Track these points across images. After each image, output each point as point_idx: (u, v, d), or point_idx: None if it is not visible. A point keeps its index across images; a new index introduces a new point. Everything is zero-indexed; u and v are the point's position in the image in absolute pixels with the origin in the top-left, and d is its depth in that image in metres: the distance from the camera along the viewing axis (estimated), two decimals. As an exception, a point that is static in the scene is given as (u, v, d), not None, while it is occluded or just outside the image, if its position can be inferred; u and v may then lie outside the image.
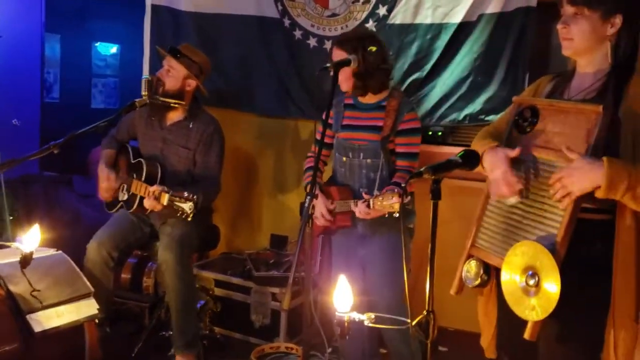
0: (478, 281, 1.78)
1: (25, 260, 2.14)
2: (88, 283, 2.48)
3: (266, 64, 3.71)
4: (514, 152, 1.67)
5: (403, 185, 2.18)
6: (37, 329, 2.17)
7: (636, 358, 1.56)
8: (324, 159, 2.80)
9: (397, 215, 2.22)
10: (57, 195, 4.33)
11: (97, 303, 2.45)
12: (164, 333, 3.18)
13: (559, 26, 1.72)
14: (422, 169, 1.52)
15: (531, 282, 1.54)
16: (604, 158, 1.49)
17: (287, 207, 3.95)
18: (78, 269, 2.52)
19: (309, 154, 2.83)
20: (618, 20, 1.64)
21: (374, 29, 3.31)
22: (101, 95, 7.67)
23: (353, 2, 3.42)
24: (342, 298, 1.59)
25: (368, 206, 2.32)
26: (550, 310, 1.48)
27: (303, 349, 2.52)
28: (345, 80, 2.50)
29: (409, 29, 3.29)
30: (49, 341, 2.23)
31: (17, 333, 2.14)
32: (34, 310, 2.20)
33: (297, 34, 3.60)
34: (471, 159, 1.62)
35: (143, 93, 2.80)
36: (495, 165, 1.70)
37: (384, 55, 2.53)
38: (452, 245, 2.44)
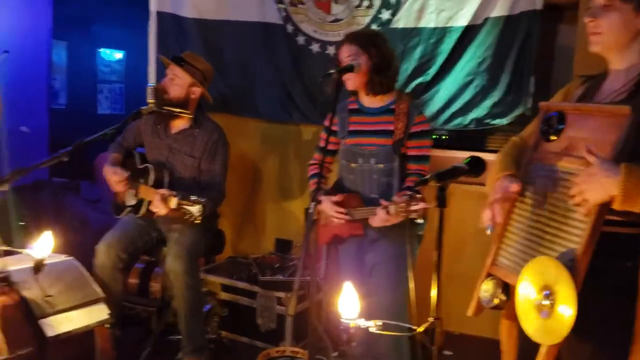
0: (495, 302, 1.67)
1: (38, 266, 2.17)
2: (99, 288, 2.52)
3: (269, 70, 3.74)
4: (514, 188, 1.60)
5: (415, 188, 2.10)
6: (49, 333, 2.21)
7: None
8: (328, 166, 2.78)
9: (421, 221, 2.23)
10: (65, 201, 4.37)
11: (107, 308, 2.49)
12: (171, 337, 3.21)
13: (587, 19, 1.58)
14: (427, 177, 1.53)
15: (546, 302, 1.42)
16: (623, 165, 1.35)
17: (291, 212, 3.97)
18: (89, 275, 2.55)
19: (312, 162, 2.80)
20: None
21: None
22: (107, 101, 7.71)
23: (356, 7, 3.45)
24: (348, 305, 1.60)
25: (387, 213, 2.26)
26: (564, 335, 1.37)
27: (309, 353, 2.55)
28: (356, 77, 2.44)
29: (412, 33, 3.31)
30: (61, 346, 2.27)
31: (31, 337, 2.18)
32: (46, 315, 2.24)
33: (300, 39, 3.63)
34: (477, 166, 1.62)
35: (149, 100, 2.82)
36: (494, 190, 1.66)
37: (393, 54, 2.53)
38: (464, 250, 2.47)
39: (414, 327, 1.57)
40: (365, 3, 3.43)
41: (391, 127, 2.46)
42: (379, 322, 1.62)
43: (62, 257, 2.56)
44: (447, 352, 3.23)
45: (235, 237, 4.05)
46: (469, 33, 3.22)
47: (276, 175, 4.02)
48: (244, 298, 3.40)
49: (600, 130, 1.47)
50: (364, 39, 2.46)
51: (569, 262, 1.41)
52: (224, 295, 3.45)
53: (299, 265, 2.01)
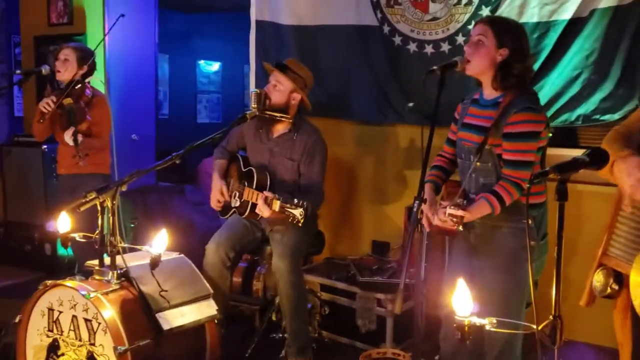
0: (608, 291, 1.68)
1: (155, 263, 2.31)
2: (208, 285, 2.64)
3: (366, 72, 3.77)
4: None
5: (534, 181, 1.91)
6: (165, 326, 2.33)
7: None
8: (452, 158, 2.53)
9: (461, 229, 2.05)
10: (172, 203, 4.62)
11: (215, 304, 2.60)
12: (274, 335, 3.29)
13: None
14: (547, 169, 1.47)
15: None
16: None
17: (388, 214, 3.96)
18: (198, 272, 2.68)
19: (439, 153, 2.60)
20: None
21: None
22: (206, 111, 8.10)
23: (454, 5, 3.39)
24: (462, 302, 1.58)
25: (444, 214, 2.09)
26: None
27: (412, 356, 2.52)
28: (481, 62, 2.25)
29: (514, 29, 3.20)
30: (175, 339, 2.39)
31: (149, 330, 2.31)
32: (162, 310, 2.37)
33: (397, 40, 3.62)
34: (599, 158, 1.53)
35: (253, 106, 2.92)
36: (630, 172, 1.59)
37: (528, 50, 2.33)
38: (574, 251, 2.35)
39: (533, 326, 1.50)
40: (464, 0, 3.37)
41: (489, 123, 2.24)
42: (494, 320, 1.59)
43: (174, 255, 2.70)
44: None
45: (332, 239, 4.09)
46: (575, 26, 3.07)
47: (372, 177, 4.02)
48: (342, 298, 3.42)
49: None
50: (502, 25, 2.28)
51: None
52: (323, 295, 3.49)
53: (403, 263, 1.98)
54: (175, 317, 2.41)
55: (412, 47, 3.58)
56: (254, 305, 3.54)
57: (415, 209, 2.11)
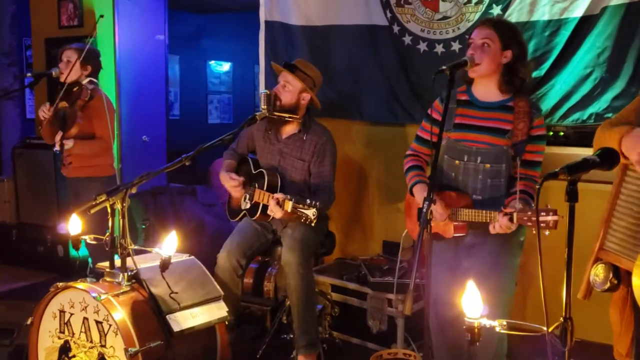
0: (607, 285, 1.71)
1: (165, 265, 2.31)
2: (218, 287, 2.63)
3: (376, 72, 3.75)
4: None
5: (537, 186, 1.94)
6: (175, 328, 2.33)
7: None
8: (426, 159, 2.58)
9: (547, 233, 2.04)
10: (183, 205, 4.64)
11: (226, 306, 2.60)
12: (285, 336, 3.29)
13: None
14: (557, 170, 1.46)
15: None
16: None
17: (398, 214, 3.94)
18: (209, 273, 2.68)
19: (409, 152, 2.63)
20: None
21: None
22: (217, 111, 8.12)
23: (465, 4, 3.37)
24: (472, 303, 1.57)
25: (511, 220, 2.09)
26: None
27: (424, 356, 2.51)
28: (488, 65, 2.27)
29: (524, 27, 3.17)
30: (186, 340, 2.39)
31: (160, 332, 2.31)
32: (173, 311, 2.37)
33: (407, 39, 3.61)
34: (610, 158, 1.52)
35: (262, 107, 2.90)
36: (637, 141, 1.58)
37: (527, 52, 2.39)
38: (581, 251, 2.31)
39: (544, 328, 1.49)
40: (475, -1, 3.36)
41: (508, 127, 2.27)
42: (504, 322, 1.57)
43: (185, 257, 2.70)
44: None
45: (342, 239, 4.09)
46: (586, 24, 3.05)
47: (382, 178, 4.01)
48: (353, 299, 3.41)
49: None
50: (506, 28, 2.32)
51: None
52: (334, 296, 3.48)
53: (413, 264, 1.97)
54: (186, 319, 2.41)
55: (423, 46, 3.56)
56: (265, 306, 3.54)
57: (425, 210, 2.10)
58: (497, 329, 1.55)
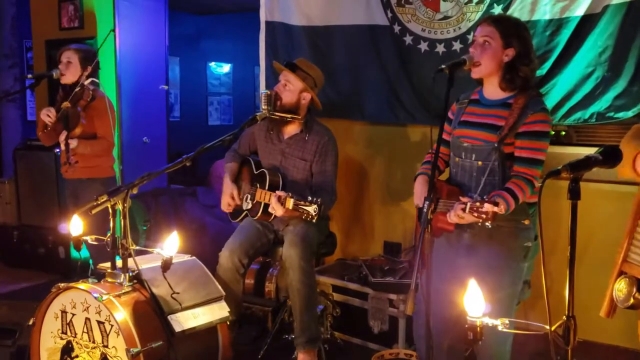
0: (631, 301, 1.62)
1: (166, 265, 2.31)
2: (220, 287, 2.63)
3: (377, 72, 3.75)
4: None
5: (540, 184, 1.90)
6: (177, 328, 2.34)
7: None
8: (445, 158, 2.52)
9: (489, 225, 1.99)
10: (184, 206, 4.64)
11: (228, 306, 2.59)
12: (286, 336, 3.29)
13: None
14: (559, 167, 1.45)
15: None
16: None
17: (399, 214, 3.94)
18: (210, 274, 2.68)
19: (430, 151, 2.60)
20: None
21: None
22: (217, 113, 8.12)
23: (466, 3, 3.37)
24: (474, 302, 1.56)
25: (463, 210, 2.03)
26: None
27: (426, 355, 2.50)
28: (489, 63, 2.25)
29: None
30: (187, 341, 2.39)
31: (161, 332, 2.31)
32: (174, 312, 2.37)
33: (408, 39, 3.61)
34: (612, 156, 1.51)
35: (263, 107, 2.91)
36: None
37: (533, 48, 2.34)
38: (587, 251, 2.31)
39: (546, 327, 1.48)
40: (476, -2, 3.36)
41: (501, 123, 2.24)
42: (506, 321, 1.57)
43: (186, 257, 2.71)
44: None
45: (343, 240, 4.09)
46: (587, 22, 3.04)
47: (383, 178, 4.01)
48: (355, 299, 3.41)
49: None
50: (508, 25, 2.29)
51: None
52: (335, 296, 3.48)
53: (414, 263, 1.96)
54: (187, 319, 2.41)
55: (423, 46, 3.56)
56: (266, 306, 3.54)
57: (425, 209, 2.10)
58: (500, 328, 1.55)
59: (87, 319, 2.35)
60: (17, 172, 4.92)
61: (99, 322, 2.31)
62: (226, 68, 8.22)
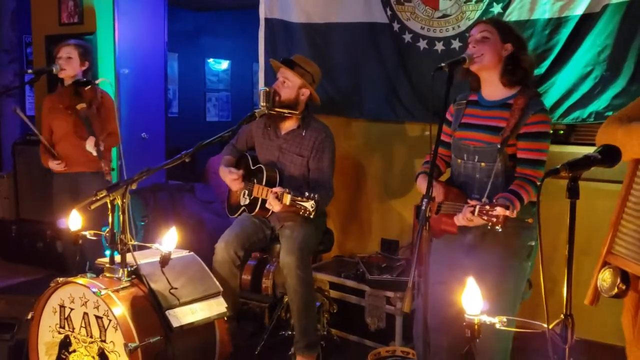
0: (615, 291, 1.66)
1: (165, 260, 2.32)
2: (217, 282, 2.64)
3: (376, 70, 3.76)
4: None
5: (539, 183, 1.92)
6: (175, 324, 2.35)
7: None
8: (445, 158, 2.55)
9: (499, 229, 1.99)
10: (182, 202, 4.64)
11: (225, 302, 2.60)
12: (283, 332, 3.30)
13: None
14: (558, 166, 1.46)
15: None
16: None
17: (397, 212, 3.95)
18: (208, 269, 2.69)
19: (431, 152, 2.67)
20: None
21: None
22: (215, 109, 8.11)
23: (465, 2, 3.37)
24: (472, 300, 1.57)
25: (472, 213, 2.04)
26: None
27: (422, 353, 2.50)
28: (490, 58, 2.27)
29: (525, 26, 3.18)
30: (185, 336, 2.40)
31: (159, 327, 2.32)
32: (172, 307, 2.38)
33: (407, 37, 3.61)
34: (611, 155, 1.51)
35: (262, 104, 2.92)
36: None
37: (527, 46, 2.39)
38: (586, 251, 2.31)
39: (544, 325, 1.49)
40: (475, -3, 3.36)
41: (503, 124, 2.25)
42: (504, 319, 1.58)
43: (184, 253, 2.71)
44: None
45: (341, 237, 4.09)
46: (586, 22, 3.04)
47: (380, 175, 4.01)
48: (351, 296, 3.42)
49: None
50: (501, 25, 2.34)
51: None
52: (332, 293, 3.49)
53: (412, 261, 1.97)
54: (185, 315, 2.42)
55: (423, 44, 3.56)
56: (263, 302, 3.55)
57: (423, 207, 2.10)
58: (497, 326, 1.55)
59: (85, 313, 2.35)
60: (16, 167, 4.92)
61: (97, 317, 2.32)
62: (224, 65, 8.21)
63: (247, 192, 3.13)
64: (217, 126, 7.19)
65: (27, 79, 3.71)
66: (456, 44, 3.43)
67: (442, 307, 2.28)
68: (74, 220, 2.49)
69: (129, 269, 2.43)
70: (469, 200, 2.12)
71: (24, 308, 2.64)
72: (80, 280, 2.37)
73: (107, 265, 2.48)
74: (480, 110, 2.37)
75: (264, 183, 3.02)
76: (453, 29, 3.44)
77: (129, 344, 2.18)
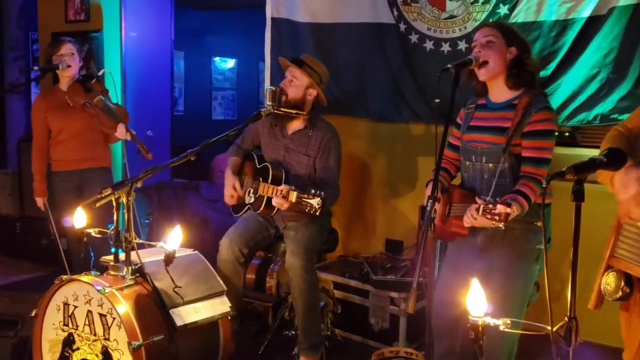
0: (619, 294, 1.67)
1: (169, 259, 2.32)
2: (221, 282, 2.64)
3: (382, 70, 3.75)
4: None
5: (544, 185, 1.93)
6: (178, 322, 2.34)
7: None
8: (455, 162, 2.59)
9: (502, 227, 2.01)
10: (186, 200, 4.64)
11: (229, 301, 2.60)
12: (287, 332, 3.30)
13: None
14: (564, 169, 1.45)
15: None
16: None
17: (401, 212, 3.95)
18: (212, 268, 2.69)
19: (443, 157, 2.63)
20: None
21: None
22: (221, 108, 8.11)
23: (472, 3, 3.37)
24: (476, 302, 1.57)
25: (477, 211, 2.07)
26: None
27: (426, 356, 2.50)
28: (495, 63, 2.28)
29: (531, 27, 3.17)
30: (189, 335, 2.40)
31: (163, 326, 2.32)
32: (176, 306, 2.38)
33: (413, 38, 3.60)
34: (617, 158, 1.51)
35: (268, 103, 2.92)
36: (627, 185, 1.56)
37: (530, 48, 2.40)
38: (587, 252, 2.29)
39: (548, 327, 1.49)
40: (482, -2, 3.35)
41: (508, 124, 2.26)
42: (508, 321, 1.58)
43: (189, 251, 2.71)
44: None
45: (345, 237, 4.09)
46: (593, 24, 3.03)
47: (385, 175, 4.01)
48: (355, 296, 3.42)
49: None
50: (507, 27, 2.36)
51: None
52: (336, 293, 3.49)
53: (416, 262, 1.97)
54: (189, 314, 2.42)
55: (429, 45, 3.56)
56: (267, 302, 3.55)
57: (428, 208, 2.10)
58: (501, 328, 1.55)
59: (89, 311, 2.36)
60: (21, 164, 4.93)
61: (100, 315, 2.33)
62: (231, 63, 8.22)
63: (252, 190, 3.14)
64: (223, 125, 7.21)
65: (33, 76, 3.70)
66: (462, 45, 3.43)
67: (453, 309, 2.28)
68: (79, 218, 2.50)
69: (133, 267, 2.43)
70: (477, 199, 2.13)
71: (27, 305, 2.65)
72: (84, 277, 2.37)
73: (112, 263, 2.49)
74: (487, 112, 2.40)
75: (269, 181, 3.02)
76: (459, 30, 3.43)
77: (133, 342, 2.18)
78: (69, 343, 2.44)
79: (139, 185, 2.45)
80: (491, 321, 1.55)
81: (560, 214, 2.20)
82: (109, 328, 2.31)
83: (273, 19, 4.07)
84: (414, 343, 3.21)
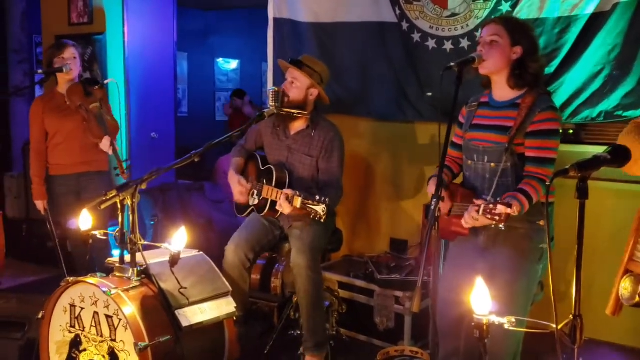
0: (636, 299, 1.67)
1: (174, 260, 2.33)
2: (227, 282, 2.65)
3: (384, 69, 3.75)
4: None
5: (547, 183, 1.92)
6: (184, 323, 2.35)
7: None
8: (458, 161, 2.58)
9: (503, 227, 2.00)
10: (191, 201, 4.65)
11: (234, 302, 2.61)
12: (292, 332, 3.30)
13: None
14: (567, 167, 1.45)
15: None
16: None
17: (406, 211, 3.94)
18: (217, 269, 2.69)
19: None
20: None
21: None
22: (224, 109, 8.13)
23: (474, 1, 3.36)
24: (481, 300, 1.57)
25: (477, 212, 2.05)
26: None
27: (431, 355, 2.50)
28: (497, 60, 2.27)
29: (534, 24, 3.14)
30: (194, 335, 2.41)
31: (169, 327, 2.33)
32: (182, 306, 2.38)
33: (416, 36, 3.60)
34: (621, 155, 1.51)
35: (270, 104, 2.92)
36: None
37: (538, 47, 2.38)
38: (596, 250, 2.29)
39: (553, 325, 1.49)
40: (484, -5, 3.35)
41: (511, 123, 2.25)
42: (512, 319, 1.58)
43: (194, 252, 2.72)
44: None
45: (350, 236, 4.09)
46: (597, 20, 3.02)
47: (389, 174, 4.01)
48: (360, 296, 3.42)
49: None
50: (514, 24, 2.33)
51: None
52: (341, 293, 3.49)
53: (420, 261, 1.97)
54: (195, 314, 2.43)
55: (431, 43, 3.55)
56: (272, 302, 3.55)
57: (433, 207, 2.10)
58: (506, 326, 1.55)
59: (95, 312, 2.37)
60: (26, 167, 4.95)
61: (107, 316, 2.33)
62: (234, 64, 8.24)
63: (256, 192, 3.14)
64: (227, 126, 7.22)
65: (37, 79, 3.72)
66: (465, 43, 3.42)
67: (458, 309, 2.27)
68: (84, 220, 2.51)
69: (139, 269, 2.44)
70: (474, 200, 2.12)
71: (34, 307, 2.66)
72: (90, 279, 2.38)
73: (117, 265, 2.50)
74: (490, 111, 2.39)
75: (273, 184, 3.02)
76: (462, 28, 3.43)
77: (139, 343, 2.19)
78: (76, 344, 2.45)
79: (143, 187, 2.46)
80: (496, 319, 1.55)
81: (566, 213, 2.19)
82: (116, 329, 2.32)
83: (275, 20, 4.08)
84: (419, 342, 3.21)
